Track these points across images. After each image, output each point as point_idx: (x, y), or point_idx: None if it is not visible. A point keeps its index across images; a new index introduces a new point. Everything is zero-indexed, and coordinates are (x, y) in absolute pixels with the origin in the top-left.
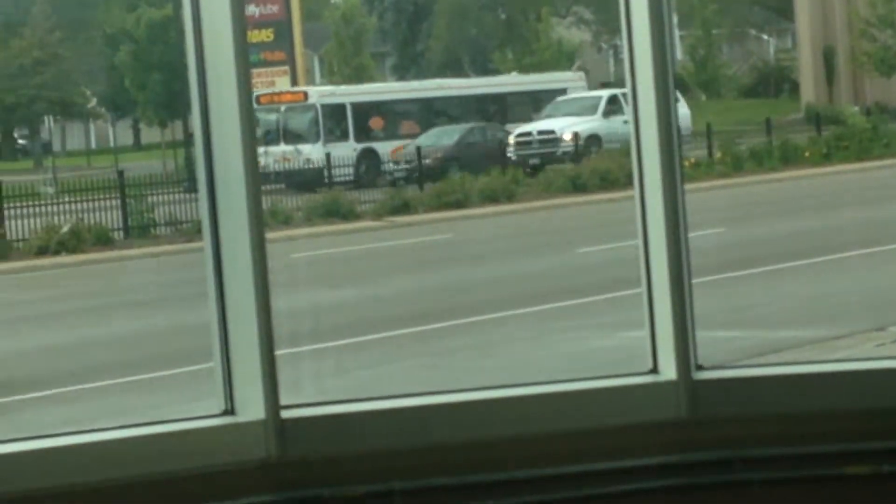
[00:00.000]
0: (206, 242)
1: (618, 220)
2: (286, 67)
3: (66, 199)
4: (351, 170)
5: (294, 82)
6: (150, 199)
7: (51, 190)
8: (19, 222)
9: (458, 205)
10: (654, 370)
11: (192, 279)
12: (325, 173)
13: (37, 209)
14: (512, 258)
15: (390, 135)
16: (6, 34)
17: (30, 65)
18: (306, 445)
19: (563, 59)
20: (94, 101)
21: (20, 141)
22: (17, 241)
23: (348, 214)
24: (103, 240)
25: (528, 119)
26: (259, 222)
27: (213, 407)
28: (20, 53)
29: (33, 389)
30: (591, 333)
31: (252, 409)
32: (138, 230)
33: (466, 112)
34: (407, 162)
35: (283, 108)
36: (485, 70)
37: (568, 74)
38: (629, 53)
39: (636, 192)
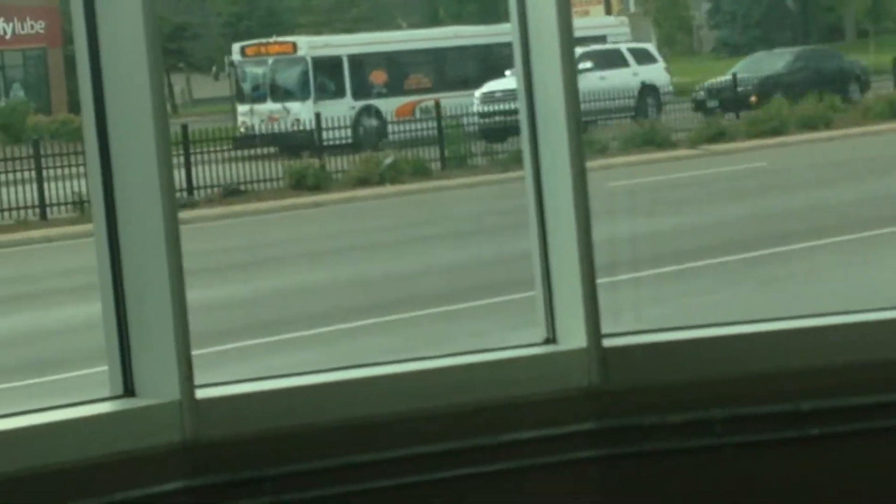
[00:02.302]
0: (527, 172)
1: None
2: None
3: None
4: (348, 131)
5: (608, 11)
6: (467, 129)
7: (374, 122)
8: (338, 155)
9: (775, 132)
10: None
11: (510, 209)
12: (315, 135)
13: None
14: (829, 185)
15: (395, 90)
16: None
17: None
18: (628, 374)
19: None
20: None
21: None
22: (337, 172)
23: (664, 143)
24: (421, 171)
25: None
26: (579, 151)
27: (535, 336)
28: None
29: (355, 319)
30: None
31: (574, 337)
32: (455, 161)
33: (486, 64)
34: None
35: (270, 60)
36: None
37: (609, 20)
38: None
39: None
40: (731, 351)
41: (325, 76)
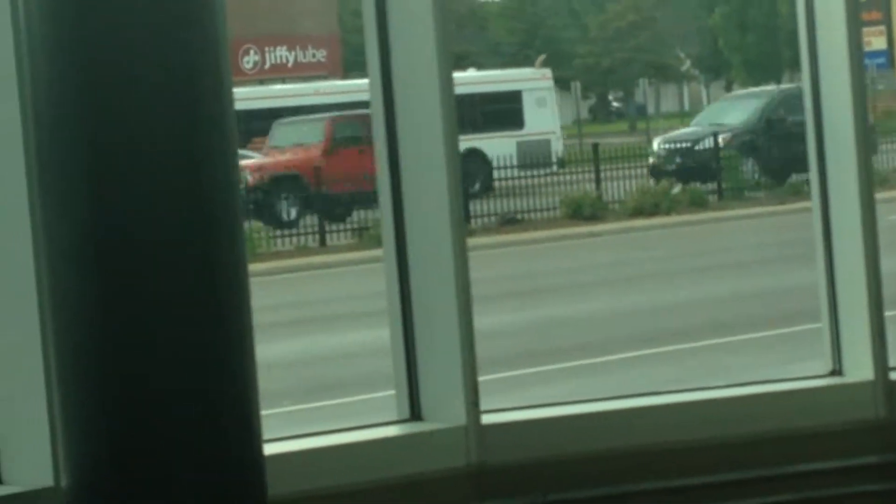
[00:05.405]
0: (815, 203)
1: None
2: (882, 27)
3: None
4: None
5: (890, 43)
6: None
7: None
8: (616, 184)
9: None
10: None
11: (787, 241)
12: None
13: (634, 171)
14: None
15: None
16: None
17: (625, 28)
18: None
19: None
20: (687, 64)
21: (614, 103)
22: (613, 202)
23: None
24: (698, 202)
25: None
26: (869, 182)
27: (816, 369)
28: (616, 17)
29: (630, 349)
30: None
31: (861, 369)
32: (733, 192)
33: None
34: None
35: None
36: None
37: (526, 72)
38: None
39: None
40: None
41: None
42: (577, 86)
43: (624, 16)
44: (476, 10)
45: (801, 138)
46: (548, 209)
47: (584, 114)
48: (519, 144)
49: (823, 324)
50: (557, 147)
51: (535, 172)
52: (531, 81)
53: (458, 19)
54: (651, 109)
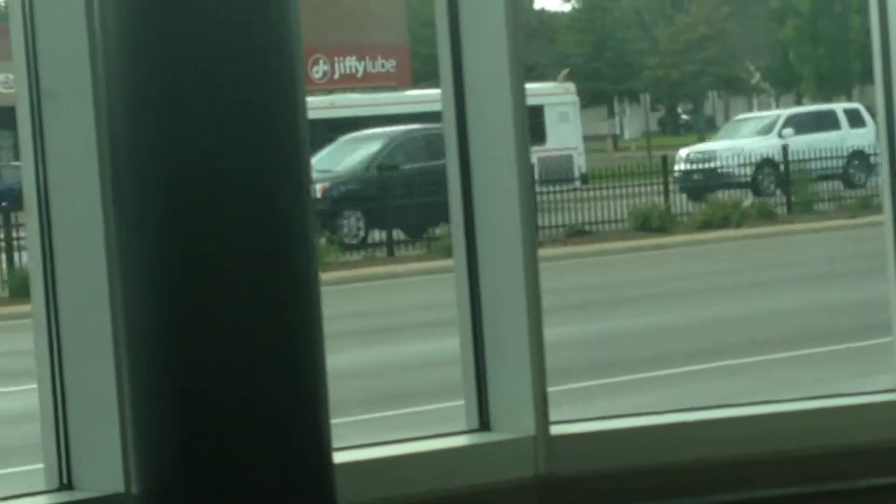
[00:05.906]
0: (887, 216)
1: None
2: None
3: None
4: None
5: None
6: (813, 174)
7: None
8: (685, 196)
9: None
10: None
11: (857, 254)
12: None
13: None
14: None
15: None
16: (673, 11)
17: (695, 40)
18: None
19: None
20: (757, 76)
21: (683, 116)
22: (681, 215)
23: None
24: (765, 215)
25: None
26: None
27: (886, 383)
28: (686, 29)
29: (697, 362)
30: None
31: None
32: (801, 205)
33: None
34: None
35: None
36: None
37: (548, 86)
38: None
39: None
40: None
41: None
42: (646, 98)
43: (694, 28)
44: (545, 21)
45: (420, 189)
46: (617, 220)
47: (654, 126)
48: (540, 160)
49: (894, 338)
50: (580, 162)
51: (556, 188)
52: (554, 96)
53: (527, 31)
54: (720, 122)
